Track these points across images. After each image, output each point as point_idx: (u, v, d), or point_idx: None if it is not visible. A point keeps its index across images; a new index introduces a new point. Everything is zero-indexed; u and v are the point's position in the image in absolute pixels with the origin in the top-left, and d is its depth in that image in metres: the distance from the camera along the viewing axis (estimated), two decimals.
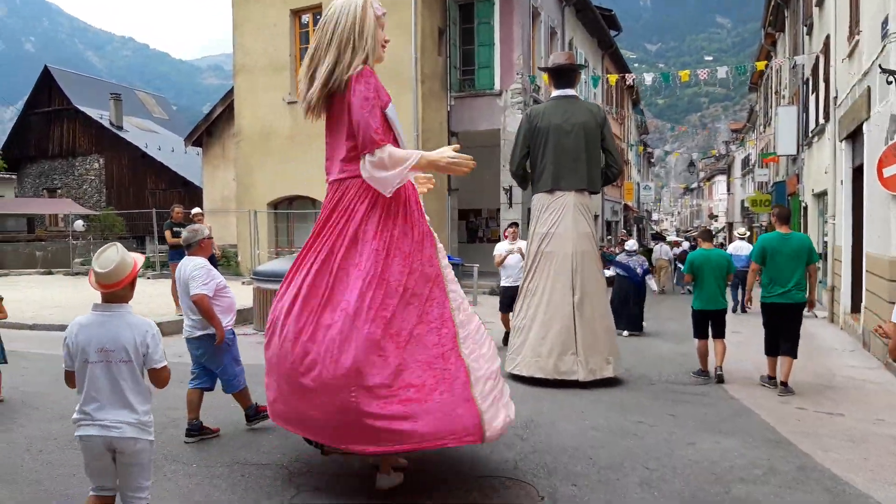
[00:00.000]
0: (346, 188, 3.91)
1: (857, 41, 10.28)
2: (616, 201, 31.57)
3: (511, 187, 17.99)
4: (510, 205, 18.15)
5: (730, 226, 48.19)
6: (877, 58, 8.92)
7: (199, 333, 5.10)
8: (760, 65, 22.30)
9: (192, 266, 5.05)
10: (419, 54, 16.86)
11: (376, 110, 3.80)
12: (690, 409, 6.27)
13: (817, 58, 14.99)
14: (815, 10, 15.22)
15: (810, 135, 16.29)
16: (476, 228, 23.14)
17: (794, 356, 6.85)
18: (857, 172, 11.74)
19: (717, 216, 65.95)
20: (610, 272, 11.67)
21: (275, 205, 19.01)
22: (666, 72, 20.55)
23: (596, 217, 27.40)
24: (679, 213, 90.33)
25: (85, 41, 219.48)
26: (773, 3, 25.58)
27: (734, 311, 13.15)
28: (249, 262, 18.39)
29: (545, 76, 18.91)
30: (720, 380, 7.25)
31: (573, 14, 23.12)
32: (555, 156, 7.00)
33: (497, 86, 18.13)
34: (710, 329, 7.49)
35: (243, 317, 11.51)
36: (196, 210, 11.40)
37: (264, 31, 18.67)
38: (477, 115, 18.30)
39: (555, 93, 7.28)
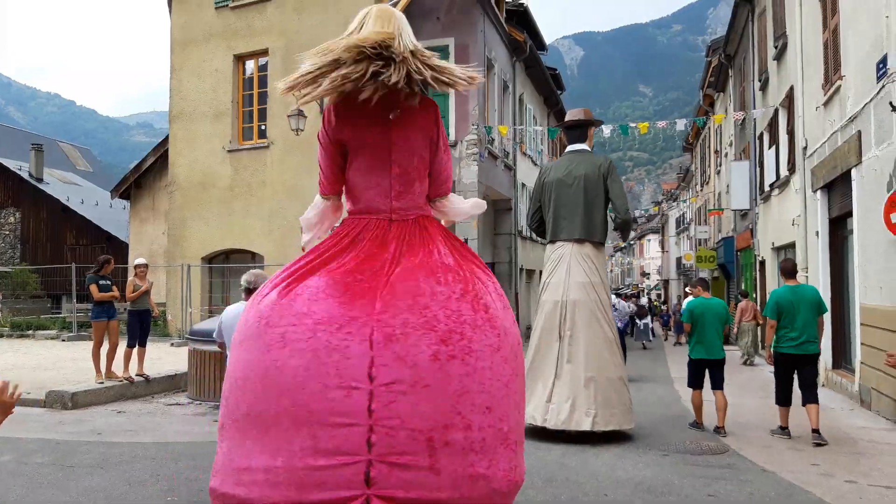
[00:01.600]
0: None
1: (839, 86, 9.98)
2: None
3: (466, 239, 17.11)
4: None
5: (665, 283, 48.75)
6: (871, 99, 8.54)
7: None
8: (718, 118, 22.21)
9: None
10: None
11: None
12: (728, 486, 5.31)
13: (776, 111, 14.92)
14: (773, 64, 15.24)
15: (767, 188, 16.15)
16: None
17: (817, 402, 6.94)
18: (835, 223, 11.40)
19: (648, 274, 67.15)
20: None
21: (209, 259, 17.56)
22: (624, 125, 20.49)
23: (541, 273, 26.85)
24: (611, 270, 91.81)
25: (7, 96, 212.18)
26: (713, 65, 26.25)
27: None
28: (180, 322, 16.76)
29: (502, 129, 18.59)
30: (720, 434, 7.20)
31: (523, 70, 22.97)
32: (555, 208, 7.09)
33: (452, 136, 17.44)
34: (707, 380, 7.51)
35: (174, 383, 10.05)
36: (140, 260, 10.02)
37: (205, 76, 17.56)
38: None
39: (568, 148, 7.44)
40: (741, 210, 19.95)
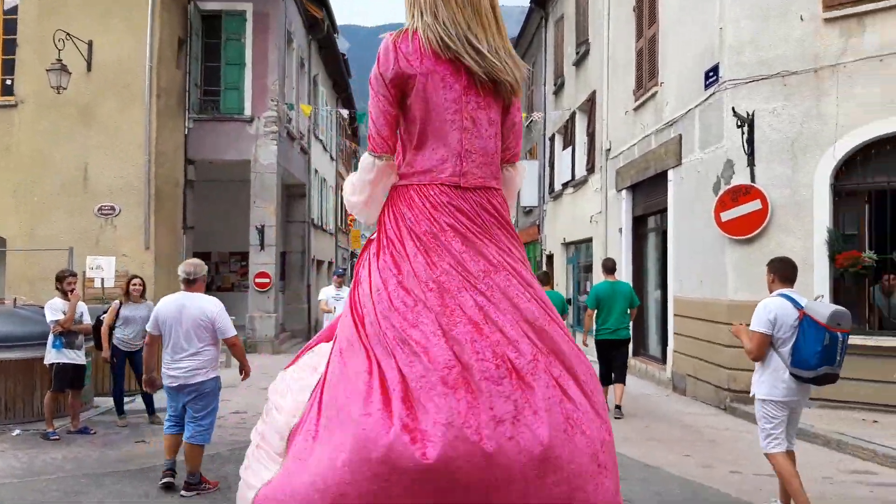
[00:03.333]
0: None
1: (655, 92, 10.61)
2: (345, 248, 30.55)
3: (263, 226, 15.76)
4: (262, 247, 15.83)
5: None
6: (697, 105, 9.12)
7: (206, 377, 4.93)
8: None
9: (215, 304, 4.97)
10: (155, 62, 13.97)
11: None
12: (634, 487, 5.13)
13: (573, 114, 15.73)
14: (571, 69, 16.04)
15: (559, 187, 17.01)
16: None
17: (624, 383, 8.14)
18: (638, 220, 12.20)
19: None
20: None
21: None
22: (361, 112, 20.38)
23: (331, 264, 26.00)
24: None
25: None
26: None
27: None
28: None
29: (305, 108, 17.38)
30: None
31: (317, 50, 21.84)
32: None
33: (248, 111, 15.88)
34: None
35: None
36: None
37: None
38: (222, 142, 15.78)
39: None
40: (527, 207, 20.92)
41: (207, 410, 4.95)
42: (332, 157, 25.81)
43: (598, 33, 14.00)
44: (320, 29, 20.57)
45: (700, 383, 9.03)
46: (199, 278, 5.05)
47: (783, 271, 4.58)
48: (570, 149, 15.96)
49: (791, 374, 4.24)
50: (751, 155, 8.06)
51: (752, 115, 8.03)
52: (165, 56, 14.41)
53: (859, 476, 5.49)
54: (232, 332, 5.01)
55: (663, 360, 10.94)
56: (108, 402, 7.93)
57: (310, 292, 20.74)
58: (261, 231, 15.76)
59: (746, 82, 8.16)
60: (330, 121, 24.14)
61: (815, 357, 4.12)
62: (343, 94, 26.99)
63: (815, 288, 7.65)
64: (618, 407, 7.83)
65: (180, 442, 5.00)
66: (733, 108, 7.97)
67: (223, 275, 19.93)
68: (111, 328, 7.34)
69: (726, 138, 8.34)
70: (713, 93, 8.63)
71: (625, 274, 12.09)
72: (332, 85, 25.89)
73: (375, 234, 2.42)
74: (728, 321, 8.15)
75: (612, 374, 8.04)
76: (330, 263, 25.49)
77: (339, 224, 28.18)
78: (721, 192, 8.29)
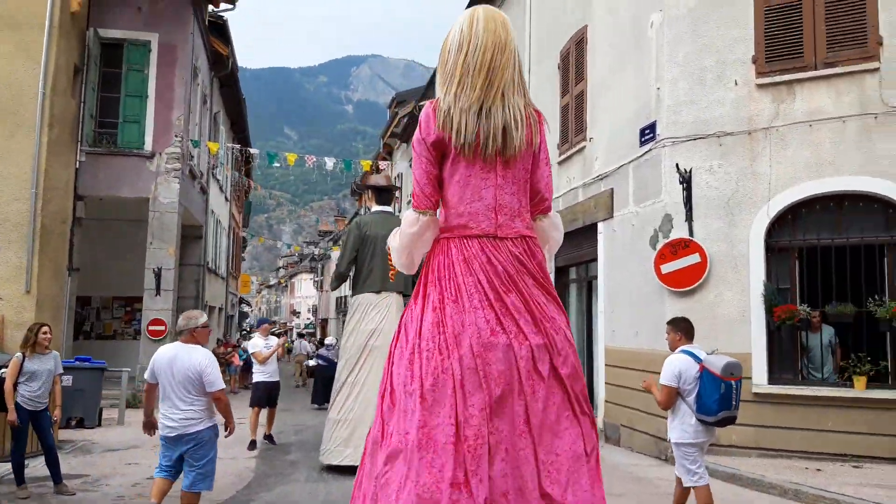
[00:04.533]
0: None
1: (584, 147, 10.88)
2: (234, 293, 29.11)
3: (161, 269, 14.64)
4: (158, 292, 14.66)
5: (324, 321, 49.18)
6: (631, 161, 9.39)
7: (202, 426, 4.98)
8: (366, 164, 22.75)
9: (204, 356, 5.00)
10: (49, 90, 12.81)
11: None
12: None
13: None
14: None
15: None
16: (82, 321, 18.25)
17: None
18: (560, 271, 12.35)
19: (299, 312, 67.24)
20: (313, 362, 16.89)
21: None
22: (272, 153, 20.17)
23: (221, 310, 24.63)
24: (259, 307, 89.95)
25: None
26: (399, 116, 27.52)
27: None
28: None
29: (212, 146, 16.50)
30: None
31: (218, 87, 21.03)
32: (382, 262, 7.52)
33: (149, 146, 14.88)
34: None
35: None
36: None
37: None
38: (117, 177, 14.63)
39: (376, 208, 8.09)
40: None
41: (208, 458, 5.00)
42: (226, 198, 24.72)
43: None
44: (224, 66, 19.90)
45: (636, 433, 9.07)
46: (192, 329, 5.11)
47: (686, 330, 5.24)
48: None
49: (697, 419, 4.86)
50: (689, 210, 8.35)
51: (690, 172, 8.35)
52: (60, 84, 13.25)
53: None
54: (218, 386, 5.02)
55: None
56: (3, 468, 6.85)
57: None
58: (157, 275, 14.63)
59: (684, 141, 8.50)
60: (228, 160, 23.16)
61: (716, 403, 4.72)
62: (241, 135, 26.09)
63: (753, 339, 7.95)
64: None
65: (169, 488, 5.07)
66: (677, 165, 8.26)
67: (104, 321, 18.33)
68: (15, 385, 6.37)
69: (665, 193, 8.61)
70: (650, 149, 8.93)
71: None
72: (231, 125, 25.00)
73: (417, 285, 2.61)
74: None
75: None
76: (220, 309, 24.15)
77: (230, 268, 26.88)
78: (661, 245, 8.50)
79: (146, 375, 5.19)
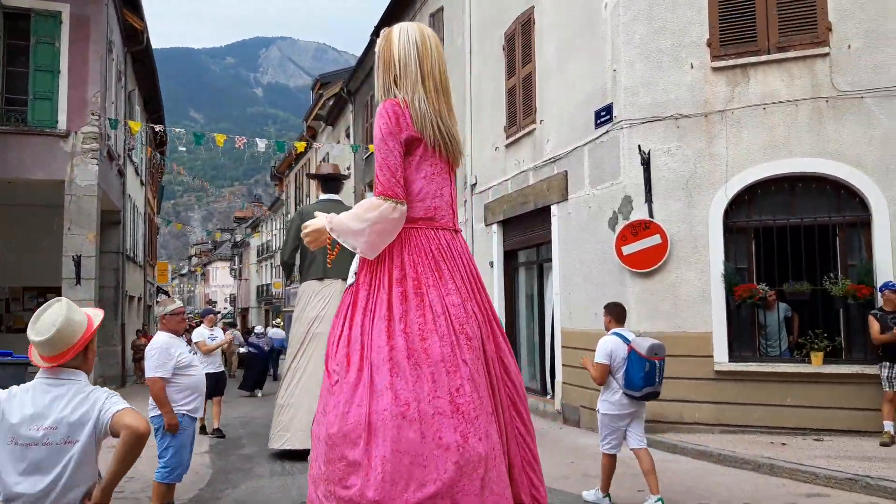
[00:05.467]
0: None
1: (533, 129, 10.79)
2: (151, 282, 27.66)
3: (80, 257, 13.63)
4: (78, 280, 13.65)
5: (244, 311, 47.69)
6: (586, 143, 9.36)
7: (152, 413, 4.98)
8: (301, 146, 22.08)
9: (153, 342, 5.06)
10: None
11: None
12: None
13: None
14: None
15: None
16: None
17: None
18: (508, 255, 12.29)
19: (215, 302, 65.10)
20: (244, 350, 17.60)
21: None
22: (200, 133, 18.95)
23: (140, 300, 23.31)
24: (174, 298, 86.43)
25: None
26: (324, 99, 26.77)
27: None
28: None
29: (134, 125, 15.45)
30: None
31: (132, 64, 19.75)
32: (324, 250, 7.21)
33: (63, 124, 13.75)
34: None
35: None
36: None
37: None
38: (29, 159, 13.46)
39: (322, 196, 8.07)
40: None
41: (163, 448, 4.95)
42: (142, 182, 23.38)
43: (457, 69, 14.10)
44: (139, 40, 18.67)
45: (596, 414, 9.09)
46: (161, 316, 5.21)
47: (617, 315, 5.81)
48: None
49: (624, 393, 5.43)
50: (648, 191, 8.40)
51: (649, 153, 8.39)
52: None
53: (821, 500, 5.67)
54: (149, 372, 4.92)
55: (544, 392, 10.99)
56: None
57: (124, 332, 18.37)
58: (77, 262, 13.61)
59: (642, 122, 8.53)
60: (145, 141, 21.91)
61: (641, 380, 5.29)
62: (155, 115, 24.66)
63: (714, 317, 8.09)
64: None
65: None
66: (639, 146, 8.28)
67: (14, 314, 16.97)
68: None
69: (623, 175, 8.63)
70: (606, 131, 8.92)
71: (497, 306, 12.02)
72: (144, 104, 23.59)
73: (381, 268, 2.74)
74: None
75: None
76: (140, 299, 22.88)
77: (147, 256, 25.49)
78: (621, 227, 8.52)
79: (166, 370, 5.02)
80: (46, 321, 2.41)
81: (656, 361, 5.29)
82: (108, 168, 15.38)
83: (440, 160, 2.85)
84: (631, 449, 5.58)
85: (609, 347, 5.51)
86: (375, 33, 19.01)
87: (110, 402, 2.43)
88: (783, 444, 7.25)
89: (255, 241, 43.94)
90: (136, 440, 2.34)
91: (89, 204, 13.87)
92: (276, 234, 36.70)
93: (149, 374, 4.92)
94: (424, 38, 2.91)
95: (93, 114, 14.03)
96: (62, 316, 2.42)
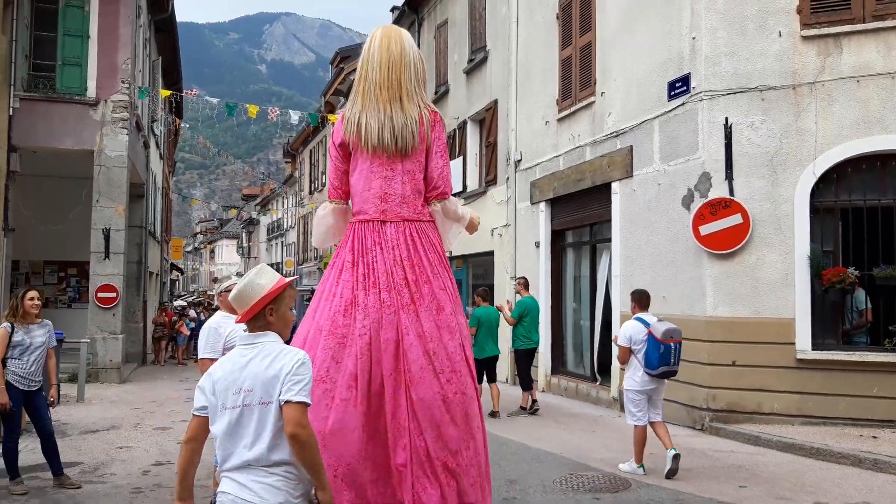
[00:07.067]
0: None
1: (592, 101, 10.32)
2: (166, 259, 27.30)
3: (110, 230, 13.24)
4: (107, 255, 13.26)
5: None
6: (656, 117, 8.90)
7: None
8: (333, 118, 21.55)
9: (205, 324, 4.89)
10: None
11: None
12: None
13: (463, 123, 15.18)
14: (461, 77, 15.50)
15: None
16: (11, 287, 16.43)
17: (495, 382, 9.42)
18: (556, 234, 11.86)
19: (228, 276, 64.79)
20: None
21: None
22: (232, 104, 18.29)
23: (157, 276, 22.96)
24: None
25: None
26: (346, 72, 26.21)
27: None
28: None
29: (164, 92, 15.00)
30: (493, 415, 8.76)
31: (154, 33, 19.20)
32: None
33: (92, 92, 13.30)
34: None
35: None
36: None
37: None
38: (59, 127, 13.03)
39: None
40: None
41: None
42: (161, 155, 22.90)
43: (500, 40, 13.59)
44: (163, 8, 18.11)
45: (666, 403, 8.71)
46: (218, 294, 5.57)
47: (639, 300, 6.38)
48: (459, 160, 15.32)
49: (644, 371, 5.96)
50: (729, 168, 7.95)
51: (731, 127, 7.94)
52: None
53: None
54: (201, 353, 4.69)
55: (594, 378, 10.61)
56: None
57: (146, 308, 18.03)
58: (106, 236, 13.21)
59: (723, 94, 8.06)
60: (167, 112, 21.43)
61: (657, 360, 5.85)
62: (175, 86, 24.10)
63: (798, 303, 7.67)
64: (523, 408, 9.41)
65: None
66: (726, 119, 7.82)
67: (36, 288, 16.56)
68: (3, 361, 5.31)
69: (702, 150, 8.17)
70: (682, 103, 8.45)
71: (542, 288, 11.67)
72: (163, 74, 23.05)
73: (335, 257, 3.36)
74: (706, 338, 7.95)
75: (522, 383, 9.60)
76: (157, 275, 22.52)
77: (163, 232, 25.10)
78: (698, 206, 8.08)
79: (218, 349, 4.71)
80: (239, 282, 2.54)
81: (671, 344, 5.83)
82: (136, 139, 14.94)
83: (377, 155, 3.18)
84: (649, 422, 6.08)
85: (629, 332, 6.09)
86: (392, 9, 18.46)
87: (290, 382, 2.33)
88: (874, 437, 6.86)
89: (265, 220, 43.45)
90: (297, 448, 2.29)
91: (119, 175, 13.45)
92: (289, 212, 36.24)
93: (200, 354, 4.71)
94: (370, 41, 3.24)
95: (123, 81, 13.56)
96: (248, 278, 2.52)
